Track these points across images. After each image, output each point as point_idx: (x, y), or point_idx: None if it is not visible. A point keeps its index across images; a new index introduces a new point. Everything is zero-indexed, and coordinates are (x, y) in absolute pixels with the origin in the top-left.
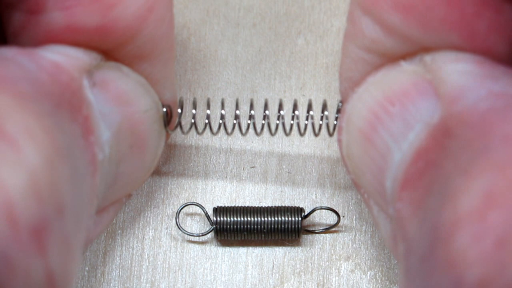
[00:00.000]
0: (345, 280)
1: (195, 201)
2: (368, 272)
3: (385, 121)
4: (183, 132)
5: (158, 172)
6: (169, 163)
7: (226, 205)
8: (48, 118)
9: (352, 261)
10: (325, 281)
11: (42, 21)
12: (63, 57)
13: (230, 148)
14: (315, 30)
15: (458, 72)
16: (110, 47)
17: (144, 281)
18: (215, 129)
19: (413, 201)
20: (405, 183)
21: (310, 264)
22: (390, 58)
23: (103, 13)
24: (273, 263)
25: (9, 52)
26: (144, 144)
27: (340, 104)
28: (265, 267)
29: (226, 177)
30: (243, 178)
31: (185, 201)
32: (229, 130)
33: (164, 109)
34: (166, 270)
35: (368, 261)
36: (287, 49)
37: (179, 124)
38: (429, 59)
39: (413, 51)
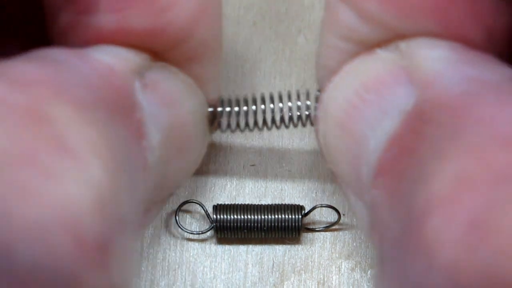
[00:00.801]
0: (345, 278)
1: (194, 199)
2: (369, 271)
3: (360, 109)
4: (222, 131)
5: None
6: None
7: (226, 203)
8: (106, 127)
9: (353, 260)
10: (325, 279)
11: (92, 22)
12: (115, 59)
13: (230, 146)
14: (315, 29)
15: (433, 58)
16: (161, 49)
17: (144, 279)
18: (251, 125)
19: (387, 188)
20: (379, 170)
21: (310, 263)
22: (366, 46)
23: (156, 15)
24: (273, 261)
25: (61, 55)
26: (191, 145)
27: (319, 93)
28: (265, 265)
29: (226, 175)
30: (243, 176)
31: (185, 199)
32: (260, 125)
33: (211, 109)
34: (166, 268)
35: (369, 259)
36: (287, 48)
37: (219, 122)
38: (404, 46)
39: (389, 38)
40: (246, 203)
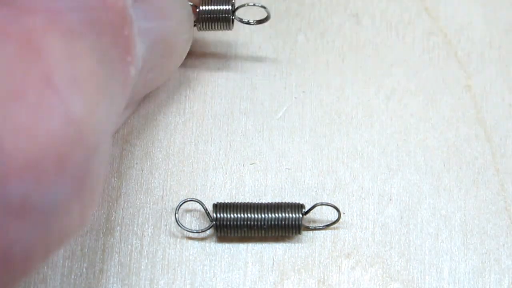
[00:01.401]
0: (345, 277)
1: (194, 198)
2: (369, 269)
3: None
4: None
5: (156, 168)
6: (168, 160)
7: (226, 202)
8: (92, 54)
9: (353, 258)
10: (325, 278)
11: None
12: None
13: (230, 145)
14: (315, 27)
15: None
16: None
17: (143, 278)
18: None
19: None
20: None
21: (310, 261)
22: None
23: None
24: (273, 260)
25: None
26: (175, 51)
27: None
28: (265, 264)
29: (226, 173)
30: (243, 175)
31: (185, 198)
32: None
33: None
34: (165, 267)
35: (369, 258)
36: (287, 46)
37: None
38: None
39: None
40: (246, 201)
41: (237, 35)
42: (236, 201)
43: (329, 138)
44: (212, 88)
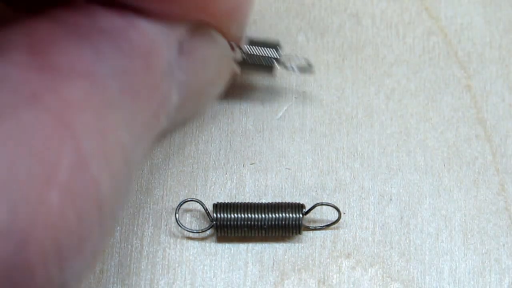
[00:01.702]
0: (346, 277)
1: (194, 198)
2: (369, 269)
3: None
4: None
5: (157, 168)
6: (168, 160)
7: (226, 202)
8: (126, 125)
9: (353, 258)
10: (325, 278)
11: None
12: (160, 32)
13: (230, 145)
14: (315, 27)
15: None
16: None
17: (143, 278)
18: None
19: None
20: None
21: (310, 261)
22: None
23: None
24: (274, 260)
25: (105, 21)
26: (209, 97)
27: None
28: (265, 264)
29: (226, 173)
30: (243, 175)
31: (185, 198)
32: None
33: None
34: (166, 267)
35: (369, 258)
36: (287, 46)
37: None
38: None
39: None
40: (246, 201)
41: None
42: (236, 201)
43: (329, 138)
44: None
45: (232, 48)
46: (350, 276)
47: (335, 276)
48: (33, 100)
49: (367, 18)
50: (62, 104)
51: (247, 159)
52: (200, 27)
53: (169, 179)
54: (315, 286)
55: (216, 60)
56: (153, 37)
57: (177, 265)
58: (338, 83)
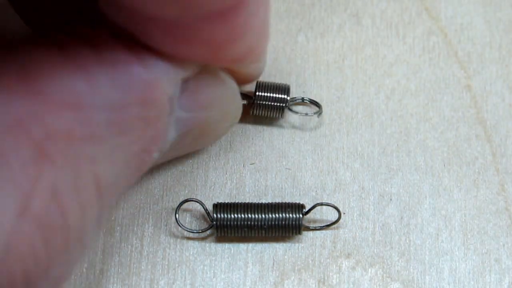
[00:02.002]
0: (346, 277)
1: (194, 198)
2: (369, 269)
3: None
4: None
5: (157, 168)
6: (168, 160)
7: (226, 202)
8: (104, 160)
9: (353, 258)
10: (325, 278)
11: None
12: (168, 67)
13: (230, 145)
14: (315, 27)
15: None
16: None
17: (143, 278)
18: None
19: None
20: None
21: (310, 261)
22: None
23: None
24: (274, 260)
25: (109, 52)
26: (212, 135)
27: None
28: (265, 264)
29: (226, 173)
30: (243, 175)
31: (185, 198)
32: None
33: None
34: (166, 267)
35: (369, 258)
36: (287, 47)
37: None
38: None
39: None
40: (246, 201)
41: None
42: (236, 201)
43: (329, 138)
44: None
45: (245, 97)
46: (350, 276)
47: (335, 276)
48: (16, 124)
49: (367, 18)
50: (44, 132)
51: (247, 159)
52: (207, 67)
53: (169, 179)
54: (315, 286)
55: (223, 101)
56: (156, 74)
57: (177, 265)
58: (338, 83)
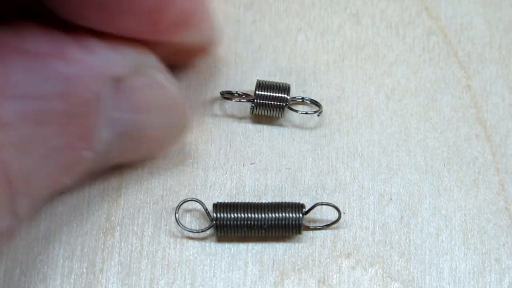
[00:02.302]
0: (346, 277)
1: (194, 197)
2: (369, 269)
3: None
4: None
5: (157, 168)
6: (168, 160)
7: (226, 201)
8: (13, 147)
9: (353, 258)
10: (325, 277)
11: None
12: (97, 60)
13: (230, 144)
14: (315, 27)
15: None
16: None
17: (143, 278)
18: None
19: None
20: None
21: (310, 261)
22: None
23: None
24: (273, 259)
25: (32, 43)
26: (157, 141)
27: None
28: (265, 263)
29: (226, 173)
30: (243, 175)
31: (185, 198)
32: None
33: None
34: (166, 266)
35: (369, 257)
36: (287, 46)
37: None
38: None
39: None
40: (246, 201)
41: (237, 35)
42: (236, 201)
43: (329, 138)
44: (212, 88)
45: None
46: (350, 276)
47: (335, 276)
48: None
49: (367, 18)
50: None
51: (247, 159)
52: (142, 67)
53: (169, 179)
54: (315, 286)
55: (161, 106)
56: (78, 69)
57: (177, 265)
58: (338, 83)
